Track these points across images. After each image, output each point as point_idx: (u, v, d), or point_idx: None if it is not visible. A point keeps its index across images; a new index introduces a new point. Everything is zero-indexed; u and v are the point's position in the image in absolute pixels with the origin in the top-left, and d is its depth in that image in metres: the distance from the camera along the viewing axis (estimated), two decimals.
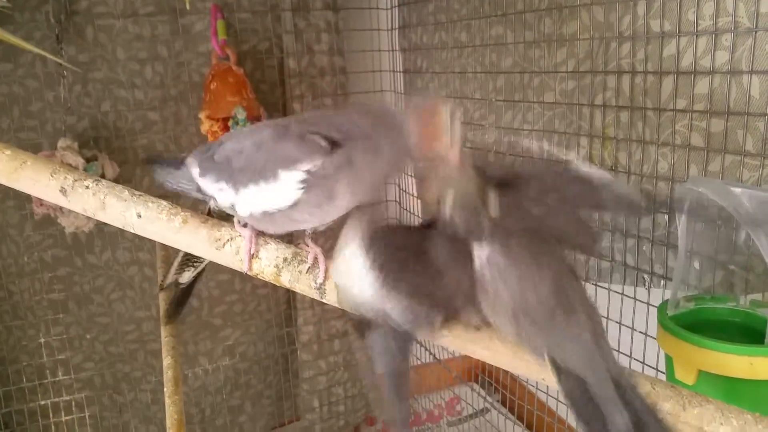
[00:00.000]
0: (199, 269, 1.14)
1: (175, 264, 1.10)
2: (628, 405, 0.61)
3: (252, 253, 0.82)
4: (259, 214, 0.79)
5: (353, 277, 0.70)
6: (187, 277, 1.15)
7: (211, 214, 0.98)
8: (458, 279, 0.69)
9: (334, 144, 0.75)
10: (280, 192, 0.76)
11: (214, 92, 1.64)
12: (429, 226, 0.74)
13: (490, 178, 0.73)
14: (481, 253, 0.69)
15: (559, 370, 0.65)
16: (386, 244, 0.72)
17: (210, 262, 1.04)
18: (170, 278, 1.14)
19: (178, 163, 0.90)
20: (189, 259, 1.11)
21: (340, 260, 0.73)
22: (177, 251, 1.07)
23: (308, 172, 0.74)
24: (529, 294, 0.67)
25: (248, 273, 0.82)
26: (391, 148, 0.76)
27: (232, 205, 0.82)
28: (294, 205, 0.76)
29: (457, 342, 0.76)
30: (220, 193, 0.82)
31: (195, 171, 0.86)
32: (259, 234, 0.83)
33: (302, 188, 0.74)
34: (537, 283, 0.67)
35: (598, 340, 0.66)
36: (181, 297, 1.20)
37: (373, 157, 0.75)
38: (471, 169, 0.74)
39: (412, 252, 0.71)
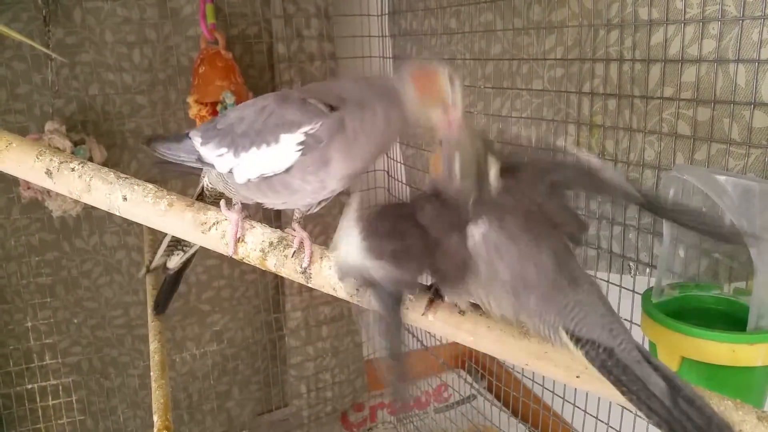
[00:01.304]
0: (188, 254, 1.14)
1: (164, 245, 1.10)
2: (655, 367, 0.62)
3: (238, 237, 0.82)
4: (256, 179, 0.81)
5: (346, 245, 0.71)
6: (175, 261, 1.15)
7: (203, 198, 0.98)
8: (450, 252, 0.69)
9: (332, 109, 0.77)
10: (279, 154, 0.78)
11: (202, 76, 1.63)
12: (428, 198, 0.75)
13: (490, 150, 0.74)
14: (476, 231, 0.69)
15: (580, 342, 0.65)
16: (381, 215, 0.73)
17: (200, 248, 1.05)
18: (157, 260, 1.14)
19: (181, 137, 0.93)
20: (178, 242, 1.11)
21: (338, 231, 0.74)
22: (165, 235, 1.07)
23: (306, 134, 0.76)
24: (530, 269, 0.67)
25: (233, 257, 0.83)
26: (386, 113, 0.77)
27: (230, 171, 0.83)
28: (290, 168, 0.78)
29: (442, 327, 0.77)
30: (219, 159, 0.84)
31: (197, 141, 0.88)
32: (246, 218, 0.84)
33: (300, 150, 0.77)
34: (538, 257, 0.67)
35: (610, 308, 0.67)
36: (169, 286, 1.21)
37: (366, 123, 0.77)
38: (475, 133, 0.75)
39: (407, 224, 0.71)
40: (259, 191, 0.83)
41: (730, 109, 1.01)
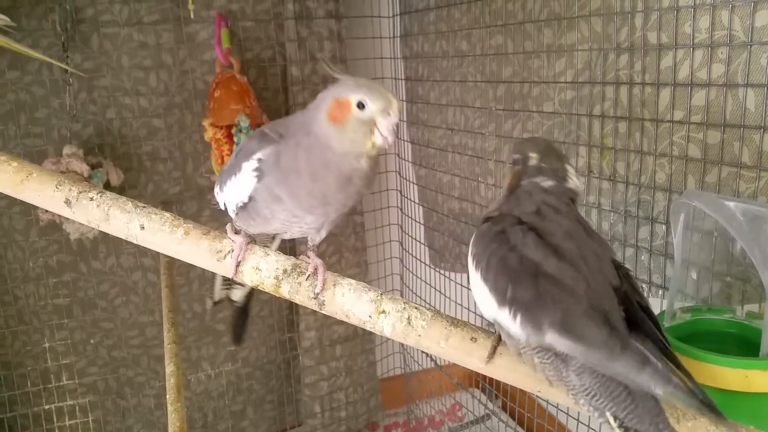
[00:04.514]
0: (248, 287, 1.16)
1: (218, 280, 1.13)
2: None
3: (239, 259, 0.84)
4: (236, 209, 0.88)
5: (474, 288, 0.74)
6: (238, 295, 1.17)
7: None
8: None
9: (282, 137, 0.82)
10: (241, 182, 0.84)
11: (217, 100, 1.65)
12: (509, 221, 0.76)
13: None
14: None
15: (627, 429, 0.66)
16: (492, 252, 0.74)
17: None
18: (218, 294, 1.17)
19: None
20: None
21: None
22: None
23: (260, 160, 0.82)
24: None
25: (234, 277, 0.86)
26: (308, 148, 0.79)
27: (224, 204, 0.91)
28: (254, 197, 0.84)
29: (454, 353, 0.78)
30: (218, 196, 0.93)
31: (216, 188, 0.95)
32: (250, 242, 0.86)
33: (256, 176, 0.82)
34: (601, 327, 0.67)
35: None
36: (240, 319, 1.23)
37: (299, 150, 0.80)
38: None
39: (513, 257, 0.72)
40: (248, 219, 0.88)
41: (739, 133, 1.02)
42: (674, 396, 0.63)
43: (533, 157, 0.81)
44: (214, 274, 1.15)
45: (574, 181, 0.81)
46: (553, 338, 0.65)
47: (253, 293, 1.19)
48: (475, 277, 0.73)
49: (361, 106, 0.76)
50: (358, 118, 0.77)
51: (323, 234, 0.93)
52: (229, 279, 1.14)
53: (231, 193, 0.87)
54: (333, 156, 0.78)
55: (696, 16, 1.05)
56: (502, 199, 0.82)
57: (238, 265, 0.85)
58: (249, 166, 0.83)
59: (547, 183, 0.79)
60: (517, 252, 0.70)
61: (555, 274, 0.68)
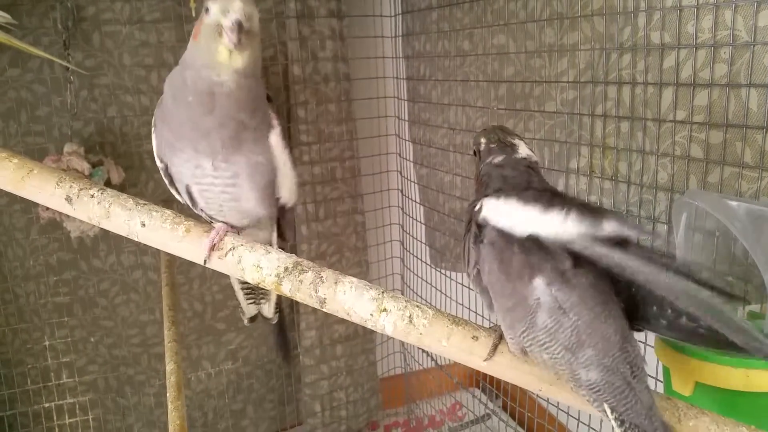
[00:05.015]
0: (274, 300, 1.18)
1: (240, 295, 1.16)
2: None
3: (214, 243, 0.84)
4: (168, 183, 0.97)
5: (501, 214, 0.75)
6: (267, 310, 1.18)
7: None
8: None
9: None
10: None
11: None
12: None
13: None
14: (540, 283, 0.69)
15: (623, 423, 0.68)
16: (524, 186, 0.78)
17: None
18: (249, 311, 1.19)
19: None
20: (252, 290, 1.15)
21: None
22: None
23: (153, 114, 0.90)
24: (598, 337, 0.69)
25: (207, 263, 0.85)
26: (182, 74, 0.84)
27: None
28: (161, 157, 0.91)
29: (455, 352, 0.77)
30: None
31: None
32: (229, 232, 0.87)
33: (153, 130, 0.92)
34: (606, 328, 0.69)
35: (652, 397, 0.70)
36: (280, 337, 1.27)
37: (169, 84, 0.86)
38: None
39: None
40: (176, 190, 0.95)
41: (742, 133, 1.01)
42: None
43: (483, 143, 0.86)
44: (234, 291, 1.16)
45: (526, 151, 0.85)
46: (611, 226, 0.64)
47: (281, 307, 1.20)
48: (506, 207, 0.72)
49: (206, 11, 0.78)
50: (207, 25, 0.78)
51: (251, 207, 0.91)
52: (250, 289, 1.15)
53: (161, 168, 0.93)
54: (191, 73, 0.80)
55: (699, 16, 1.05)
56: (475, 194, 0.85)
57: (212, 248, 0.84)
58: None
59: (498, 159, 0.83)
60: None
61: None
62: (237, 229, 0.90)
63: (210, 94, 0.79)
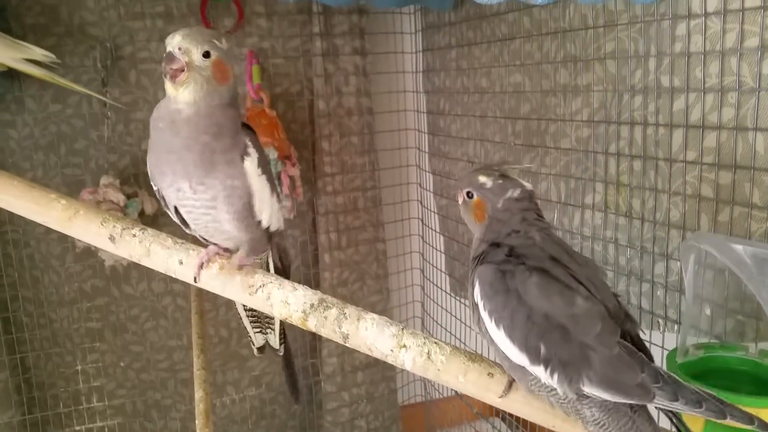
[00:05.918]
0: (278, 329, 1.21)
1: (246, 324, 1.20)
2: None
3: (202, 263, 0.91)
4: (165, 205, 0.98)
5: (500, 343, 0.78)
6: (273, 340, 1.22)
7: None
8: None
9: None
10: None
11: None
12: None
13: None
14: None
15: None
16: (514, 310, 0.76)
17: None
18: (257, 340, 1.22)
19: None
20: (257, 318, 1.19)
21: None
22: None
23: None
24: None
25: (197, 282, 0.91)
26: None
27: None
28: (152, 176, 0.94)
29: (471, 388, 0.82)
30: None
31: None
32: (220, 254, 0.93)
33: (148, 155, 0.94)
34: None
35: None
36: (288, 371, 1.28)
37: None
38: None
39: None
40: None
41: (750, 174, 1.05)
42: (706, 414, 0.71)
43: (486, 181, 0.83)
44: (241, 319, 1.21)
45: (527, 183, 0.85)
46: (591, 390, 0.71)
47: (286, 339, 1.24)
48: (498, 334, 0.75)
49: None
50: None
51: (231, 229, 0.94)
52: (255, 317, 1.19)
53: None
54: (162, 103, 0.88)
55: (706, 62, 1.09)
56: (480, 234, 0.84)
57: (201, 267, 0.91)
58: None
59: (516, 192, 0.82)
60: (536, 304, 0.74)
61: (580, 315, 0.72)
62: (229, 252, 0.95)
63: (172, 121, 0.85)
